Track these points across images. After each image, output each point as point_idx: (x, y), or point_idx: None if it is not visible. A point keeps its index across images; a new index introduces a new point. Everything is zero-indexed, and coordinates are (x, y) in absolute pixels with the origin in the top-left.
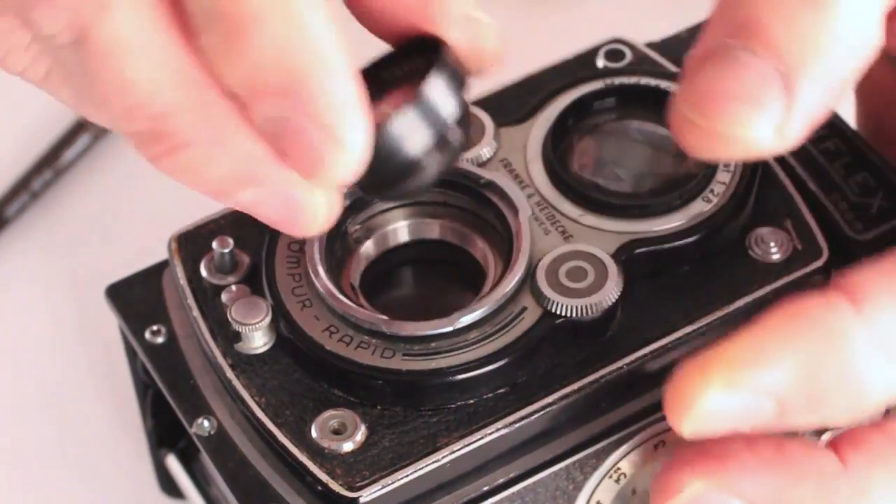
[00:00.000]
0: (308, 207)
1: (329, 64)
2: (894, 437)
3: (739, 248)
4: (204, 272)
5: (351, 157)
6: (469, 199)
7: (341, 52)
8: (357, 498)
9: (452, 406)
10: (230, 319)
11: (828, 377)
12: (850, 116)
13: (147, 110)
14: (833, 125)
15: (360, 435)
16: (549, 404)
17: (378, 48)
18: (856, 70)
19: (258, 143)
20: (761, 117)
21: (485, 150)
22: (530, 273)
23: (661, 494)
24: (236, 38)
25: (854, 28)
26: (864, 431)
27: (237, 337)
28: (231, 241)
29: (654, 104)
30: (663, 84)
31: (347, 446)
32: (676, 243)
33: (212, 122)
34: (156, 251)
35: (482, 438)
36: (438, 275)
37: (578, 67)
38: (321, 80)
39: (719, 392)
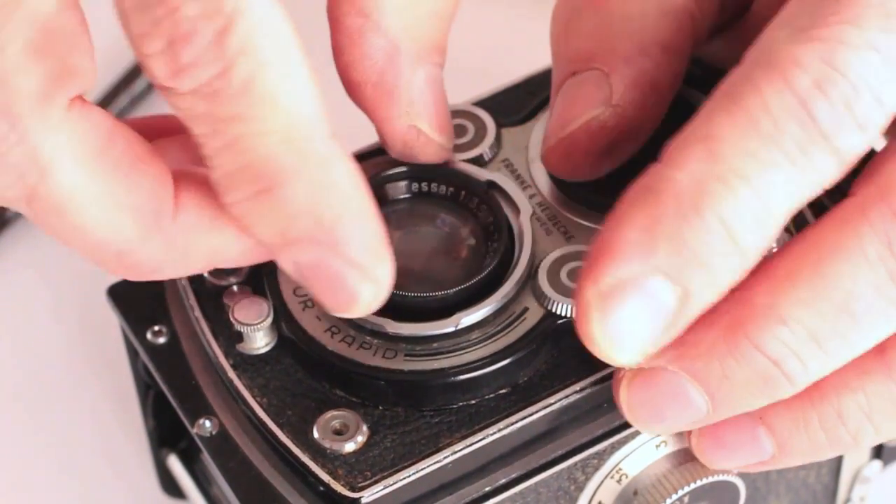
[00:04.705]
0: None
1: (358, 208)
2: None
3: None
4: (205, 272)
5: (381, 290)
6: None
7: (367, 195)
8: (359, 498)
9: (454, 406)
10: (232, 320)
11: None
12: None
13: (111, 248)
14: None
15: (362, 435)
16: (551, 405)
17: None
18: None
19: (222, 238)
20: None
21: (486, 150)
22: (532, 273)
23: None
24: (266, 196)
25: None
26: None
27: (239, 337)
28: None
29: None
30: None
31: (349, 446)
32: None
33: (175, 243)
34: None
35: (484, 439)
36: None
37: None
38: (352, 225)
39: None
